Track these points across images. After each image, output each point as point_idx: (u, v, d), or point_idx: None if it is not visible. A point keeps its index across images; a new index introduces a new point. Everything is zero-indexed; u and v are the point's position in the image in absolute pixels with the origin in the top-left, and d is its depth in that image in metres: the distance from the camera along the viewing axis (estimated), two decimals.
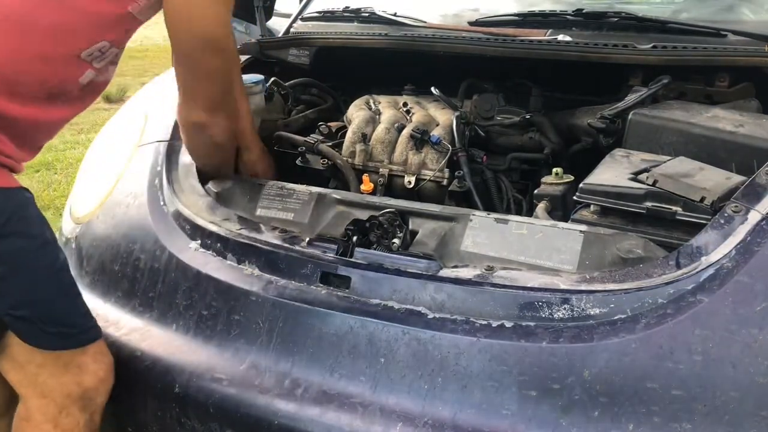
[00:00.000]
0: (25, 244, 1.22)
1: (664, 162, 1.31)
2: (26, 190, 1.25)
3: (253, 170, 1.63)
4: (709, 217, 1.15)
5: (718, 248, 1.08)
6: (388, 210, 1.33)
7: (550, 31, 1.77)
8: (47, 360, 1.27)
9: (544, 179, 1.46)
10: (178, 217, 1.46)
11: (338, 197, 1.44)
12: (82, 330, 1.30)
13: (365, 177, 1.57)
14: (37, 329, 1.25)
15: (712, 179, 1.23)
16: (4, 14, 1.19)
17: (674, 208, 1.20)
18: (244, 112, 1.59)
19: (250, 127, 1.62)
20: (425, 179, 1.55)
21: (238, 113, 1.54)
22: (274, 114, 1.84)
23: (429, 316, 1.15)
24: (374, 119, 1.68)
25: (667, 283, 1.06)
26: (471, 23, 1.88)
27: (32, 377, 1.28)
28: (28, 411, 1.31)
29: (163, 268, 1.40)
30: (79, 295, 1.32)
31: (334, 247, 1.28)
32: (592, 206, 1.28)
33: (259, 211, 1.48)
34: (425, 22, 1.98)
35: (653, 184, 1.23)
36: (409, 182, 1.56)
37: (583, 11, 1.79)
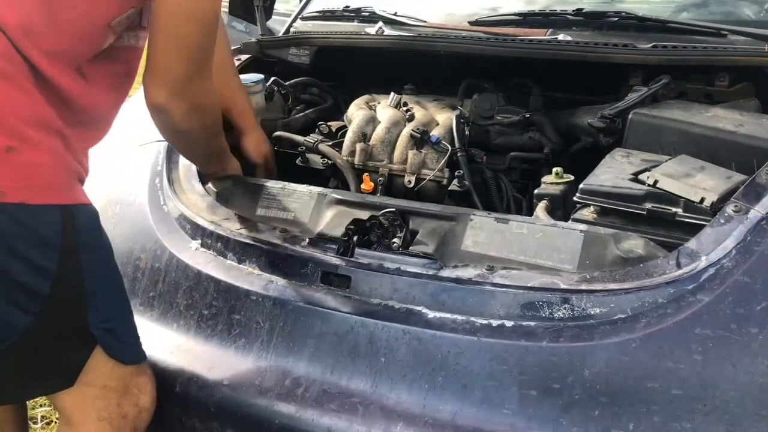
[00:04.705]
0: (105, 256, 1.21)
1: (665, 161, 1.32)
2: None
3: (256, 153, 1.60)
4: (709, 218, 1.16)
5: (718, 248, 1.08)
6: (388, 210, 1.33)
7: (550, 30, 1.77)
8: (112, 380, 1.22)
9: (544, 179, 1.46)
10: (179, 216, 1.46)
11: (338, 197, 1.44)
12: (141, 345, 1.27)
13: (365, 176, 1.57)
14: (120, 342, 1.22)
15: (713, 179, 1.23)
16: None
17: (674, 209, 1.20)
18: (236, 94, 1.55)
19: (246, 108, 1.58)
20: (425, 179, 1.55)
21: (228, 98, 1.46)
22: (274, 113, 1.84)
23: (429, 316, 1.15)
24: (374, 119, 1.68)
25: (667, 283, 1.07)
26: (471, 23, 1.89)
27: (92, 400, 1.22)
28: None
29: (164, 267, 1.40)
30: None
31: (335, 246, 1.28)
32: (592, 206, 1.28)
33: (259, 211, 1.48)
34: (425, 21, 1.99)
35: (653, 185, 1.23)
36: (409, 182, 1.56)
37: (583, 11, 1.79)
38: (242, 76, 1.83)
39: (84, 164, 1.22)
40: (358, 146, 1.60)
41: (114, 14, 1.19)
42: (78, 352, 1.18)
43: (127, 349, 1.23)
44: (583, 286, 1.10)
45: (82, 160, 1.22)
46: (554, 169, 1.46)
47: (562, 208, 1.40)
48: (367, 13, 2.06)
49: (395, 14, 2.01)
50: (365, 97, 1.84)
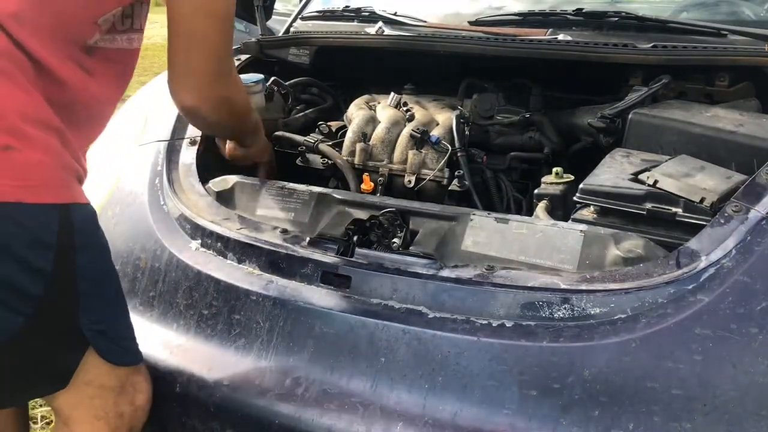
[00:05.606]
0: (101, 256, 1.20)
1: (665, 161, 1.32)
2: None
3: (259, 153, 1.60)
4: (709, 218, 1.16)
5: (718, 248, 1.08)
6: (388, 210, 1.33)
7: (550, 30, 1.77)
8: (109, 379, 1.22)
9: (544, 179, 1.47)
10: (179, 216, 1.46)
11: (338, 197, 1.44)
12: (137, 345, 1.27)
13: (365, 176, 1.57)
14: (113, 344, 1.21)
15: (713, 179, 1.23)
16: None
17: (674, 209, 1.20)
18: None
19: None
20: (425, 179, 1.55)
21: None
22: (274, 113, 1.84)
23: (429, 316, 1.15)
24: (374, 119, 1.68)
25: (667, 283, 1.07)
26: (471, 23, 1.89)
27: (89, 399, 1.22)
28: None
29: (164, 267, 1.40)
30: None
31: (335, 246, 1.28)
32: (592, 206, 1.28)
33: (259, 211, 1.48)
34: (425, 21, 1.99)
35: (653, 184, 1.23)
36: (409, 182, 1.56)
37: (583, 11, 1.79)
38: (242, 76, 1.83)
39: (82, 164, 1.22)
40: (358, 146, 1.60)
41: (101, 13, 1.17)
42: (71, 354, 1.18)
43: (119, 351, 1.22)
44: (583, 286, 1.10)
45: (80, 159, 1.21)
46: (554, 169, 1.46)
47: (562, 208, 1.40)
48: (367, 13, 2.06)
49: (395, 14, 2.01)
50: (365, 97, 1.84)
